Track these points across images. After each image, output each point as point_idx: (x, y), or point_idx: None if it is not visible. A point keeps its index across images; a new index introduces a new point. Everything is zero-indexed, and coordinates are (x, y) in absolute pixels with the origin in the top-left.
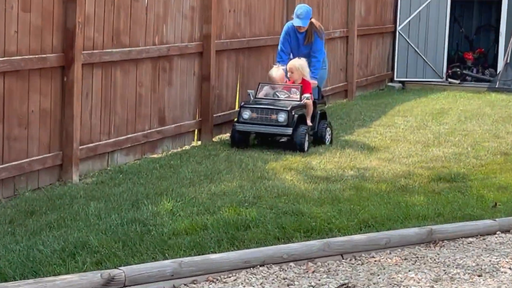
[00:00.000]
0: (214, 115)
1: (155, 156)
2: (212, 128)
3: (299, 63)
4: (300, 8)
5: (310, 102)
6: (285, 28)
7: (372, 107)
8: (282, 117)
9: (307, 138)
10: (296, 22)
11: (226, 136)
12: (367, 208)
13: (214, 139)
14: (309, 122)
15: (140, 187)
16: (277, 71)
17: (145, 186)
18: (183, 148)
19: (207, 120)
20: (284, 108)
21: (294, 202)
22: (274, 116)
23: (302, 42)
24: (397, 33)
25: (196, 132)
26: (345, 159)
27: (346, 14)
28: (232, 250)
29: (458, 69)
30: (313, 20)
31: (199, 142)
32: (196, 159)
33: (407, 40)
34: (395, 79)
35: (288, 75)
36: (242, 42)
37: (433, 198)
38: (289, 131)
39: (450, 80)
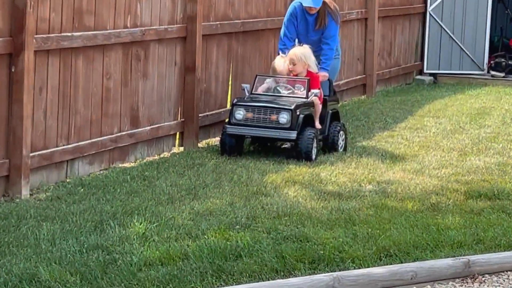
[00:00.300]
0: (200, 115)
1: (126, 165)
2: (197, 130)
3: (301, 51)
4: None
5: (316, 100)
6: (290, 8)
7: (396, 105)
8: (284, 117)
9: (315, 144)
10: (306, 1)
11: (215, 140)
12: (388, 232)
13: (200, 145)
14: (317, 124)
15: (105, 204)
16: (283, 62)
17: (112, 203)
18: (161, 156)
19: (192, 121)
20: (287, 107)
21: (298, 224)
22: (274, 117)
23: (313, 27)
24: (428, 14)
25: (177, 136)
26: (362, 170)
27: None
28: (218, 286)
29: (502, 60)
30: None
31: (181, 148)
32: (177, 170)
33: (440, 23)
34: (425, 71)
35: (289, 67)
36: (235, 25)
37: (471, 220)
38: (293, 135)
39: (492, 72)
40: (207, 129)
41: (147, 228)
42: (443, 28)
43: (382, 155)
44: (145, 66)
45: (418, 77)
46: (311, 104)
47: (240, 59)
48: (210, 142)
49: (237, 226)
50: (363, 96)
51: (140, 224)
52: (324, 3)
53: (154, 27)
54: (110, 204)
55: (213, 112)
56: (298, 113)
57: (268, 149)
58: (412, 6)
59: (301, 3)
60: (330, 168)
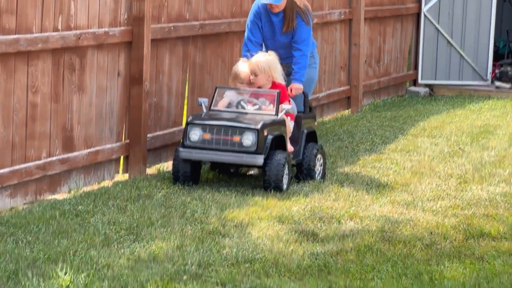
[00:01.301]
0: (149, 135)
1: (57, 197)
2: (145, 154)
3: (265, 60)
4: None
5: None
6: (254, 7)
7: (386, 122)
8: (248, 139)
9: (286, 171)
10: None
11: (168, 166)
12: (371, 283)
13: (149, 171)
14: (289, 147)
15: (25, 248)
16: (246, 67)
17: (33, 247)
18: (102, 185)
19: (138, 143)
20: (252, 126)
21: (260, 273)
22: (236, 138)
23: (279, 29)
24: (423, 15)
25: (121, 161)
26: (343, 203)
27: None
28: None
29: (509, 68)
30: None
31: (126, 175)
32: (118, 203)
33: (437, 26)
34: (420, 81)
35: (250, 79)
36: (192, 28)
37: (473, 267)
38: (260, 160)
39: (497, 83)
40: (158, 152)
41: (74, 279)
42: (440, 32)
43: (367, 183)
44: (81, 77)
45: (412, 88)
46: (282, 123)
47: (199, 68)
48: (161, 168)
49: (185, 277)
50: (347, 111)
51: (65, 274)
52: (291, 0)
53: (92, 30)
54: (30, 247)
55: (165, 131)
56: (266, 133)
57: (230, 176)
58: (405, 5)
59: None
60: (304, 200)
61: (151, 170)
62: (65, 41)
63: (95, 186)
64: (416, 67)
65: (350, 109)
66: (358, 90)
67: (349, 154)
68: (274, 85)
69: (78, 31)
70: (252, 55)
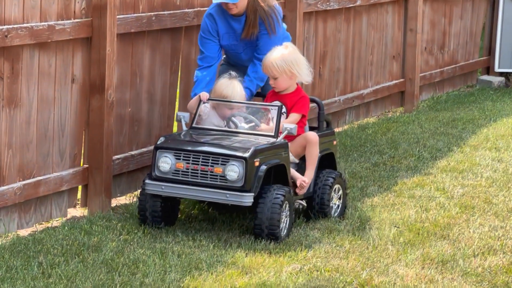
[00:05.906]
0: (121, 156)
1: None
2: (109, 182)
3: (281, 55)
4: None
5: (311, 135)
6: (208, 10)
7: (441, 127)
8: (234, 171)
9: (286, 213)
10: None
11: None
12: None
13: (123, 200)
14: (300, 179)
15: None
16: (234, 87)
17: None
18: (49, 225)
19: (99, 168)
20: (238, 154)
21: None
22: (219, 169)
23: (239, 36)
24: None
25: (79, 192)
26: (355, 261)
27: None
28: None
29: None
30: None
31: (86, 210)
32: (47, 261)
33: None
34: (497, 69)
35: (270, 84)
36: (185, 16)
37: None
38: (247, 199)
39: None
40: (135, 175)
41: None
42: None
43: (397, 225)
44: (12, 86)
45: (484, 77)
46: (282, 146)
47: (195, 67)
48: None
49: None
50: (399, 109)
51: None
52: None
53: (27, 25)
54: None
55: (144, 149)
56: (257, 163)
57: (222, 212)
58: None
59: (216, 5)
60: (303, 255)
61: (122, 200)
62: None
63: (38, 228)
64: (490, 53)
65: (404, 107)
66: (414, 83)
67: (386, 174)
68: (298, 92)
69: (4, 27)
70: (209, 79)
